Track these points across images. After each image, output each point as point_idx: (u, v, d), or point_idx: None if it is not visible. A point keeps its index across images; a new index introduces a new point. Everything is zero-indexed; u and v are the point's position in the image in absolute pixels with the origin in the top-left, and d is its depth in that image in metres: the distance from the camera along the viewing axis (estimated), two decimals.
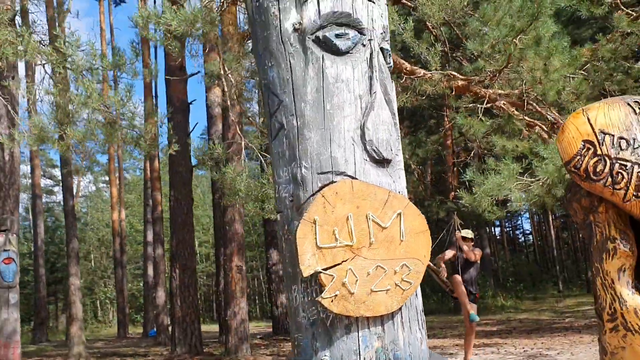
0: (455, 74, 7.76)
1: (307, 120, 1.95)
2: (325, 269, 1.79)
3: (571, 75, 7.49)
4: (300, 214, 1.92)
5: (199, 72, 14.26)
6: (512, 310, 20.86)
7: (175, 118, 11.13)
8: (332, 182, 1.89)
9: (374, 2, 2.09)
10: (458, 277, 7.16)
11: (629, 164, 1.68)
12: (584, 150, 1.74)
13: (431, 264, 6.97)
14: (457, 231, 7.50)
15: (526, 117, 7.37)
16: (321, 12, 1.97)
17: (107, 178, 34.43)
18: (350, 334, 1.84)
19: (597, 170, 1.71)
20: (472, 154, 10.40)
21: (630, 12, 7.57)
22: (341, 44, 1.97)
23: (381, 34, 2.10)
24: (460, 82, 7.72)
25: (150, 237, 19.73)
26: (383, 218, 1.85)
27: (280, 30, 2.01)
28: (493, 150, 7.76)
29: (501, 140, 6.91)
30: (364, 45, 2.02)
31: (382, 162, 1.97)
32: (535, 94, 7.50)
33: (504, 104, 7.84)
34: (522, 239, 49.92)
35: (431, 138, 17.83)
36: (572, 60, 7.03)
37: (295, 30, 1.99)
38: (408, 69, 7.66)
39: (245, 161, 4.48)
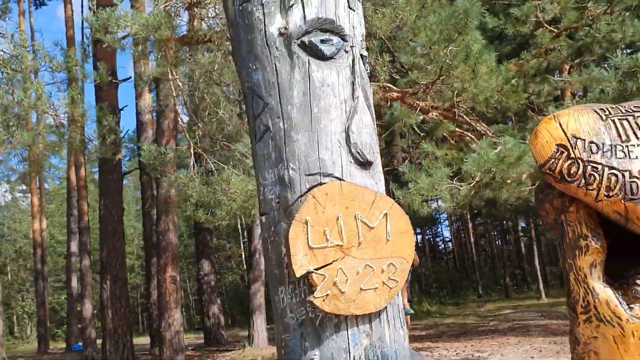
0: (391, 85, 7.98)
1: (294, 122, 1.97)
2: (317, 269, 1.82)
3: (499, 87, 7.87)
4: (287, 215, 1.94)
5: (130, 77, 13.91)
6: (437, 316, 21.49)
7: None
8: (321, 183, 1.93)
9: (353, 10, 2.16)
10: None
11: (599, 167, 1.81)
12: (558, 153, 1.86)
13: None
14: None
15: (457, 129, 7.70)
16: (307, 18, 2.01)
17: (24, 187, 32.83)
18: (339, 332, 1.87)
19: (571, 172, 1.83)
20: (408, 160, 10.72)
21: (552, 29, 8.05)
22: (326, 49, 2.02)
23: (361, 41, 2.17)
24: (394, 94, 7.94)
25: (74, 248, 18.93)
26: (371, 218, 1.90)
27: (266, 34, 2.03)
28: (425, 157, 8.06)
29: (431, 147, 7.19)
30: (347, 52, 2.07)
31: (365, 164, 2.03)
32: (464, 107, 7.84)
33: (436, 115, 8.15)
34: (442, 246, 51.56)
35: None
36: (499, 72, 7.40)
37: (280, 34, 2.02)
38: None
39: (195, 167, 4.43)
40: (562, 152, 1.86)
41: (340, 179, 1.95)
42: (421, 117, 7.77)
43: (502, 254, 45.05)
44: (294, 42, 2.00)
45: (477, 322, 16.23)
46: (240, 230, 30.98)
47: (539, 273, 28.03)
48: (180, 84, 4.74)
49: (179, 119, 4.67)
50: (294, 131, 1.97)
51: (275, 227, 1.98)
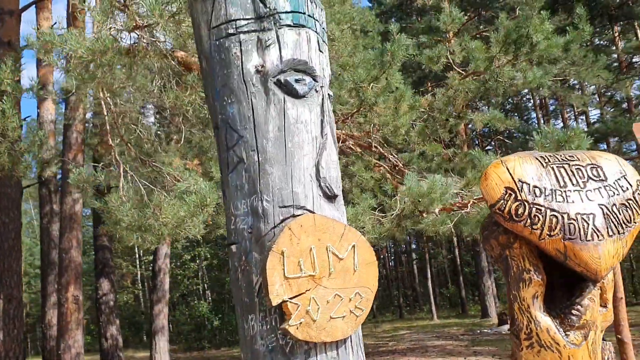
0: None
1: (269, 156, 2.06)
2: (291, 298, 1.92)
3: (412, 122, 8.31)
4: (260, 246, 2.03)
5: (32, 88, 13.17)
6: None
7: None
8: (294, 215, 2.03)
9: (322, 52, 2.29)
10: None
11: (542, 209, 2.05)
12: (507, 195, 2.09)
13: None
14: None
15: (373, 159, 8.02)
16: (283, 58, 2.12)
17: None
18: (309, 359, 1.97)
19: (519, 213, 2.06)
20: None
21: (461, 71, 8.61)
22: (300, 88, 2.13)
23: (328, 81, 2.31)
24: None
25: None
26: (340, 250, 2.03)
27: (242, 70, 2.12)
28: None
29: (363, 172, 7.46)
30: (317, 91, 2.20)
31: (332, 197, 2.16)
32: (379, 137, 8.19)
33: (352, 144, 8.45)
34: None
35: None
36: (414, 107, 7.82)
37: (257, 71, 2.11)
38: None
39: (125, 189, 4.32)
40: (510, 194, 2.08)
41: (311, 212, 2.06)
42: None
43: (396, 275, 46.66)
44: (270, 80, 2.10)
45: (376, 343, 16.68)
46: (136, 249, 29.93)
47: (431, 295, 29.24)
48: (104, 99, 4.63)
49: (108, 138, 4.55)
50: (268, 164, 2.06)
51: (247, 257, 2.05)
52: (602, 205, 2.07)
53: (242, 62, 2.12)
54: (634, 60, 27.30)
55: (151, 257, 25.27)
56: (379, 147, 8.26)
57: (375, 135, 7.95)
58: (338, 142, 8.15)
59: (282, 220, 2.02)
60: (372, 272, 2.09)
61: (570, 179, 2.13)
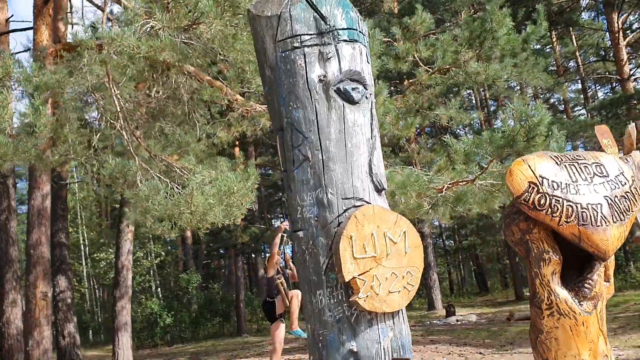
0: None
1: (331, 155, 2.38)
2: (359, 275, 2.25)
3: (392, 123, 8.68)
4: (326, 232, 2.34)
5: None
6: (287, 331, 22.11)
7: None
8: (354, 205, 2.36)
9: (369, 63, 2.63)
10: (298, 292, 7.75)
11: (560, 199, 2.45)
12: (530, 188, 2.48)
13: (279, 281, 7.44)
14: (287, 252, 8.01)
15: None
16: (342, 69, 2.45)
17: None
18: (372, 327, 2.30)
19: (541, 203, 2.45)
20: None
21: (428, 69, 9.08)
22: (355, 95, 2.46)
23: (373, 89, 2.64)
24: None
25: None
26: (394, 235, 2.37)
27: (307, 79, 2.42)
28: None
29: None
30: (367, 98, 2.53)
31: (381, 190, 2.50)
32: None
33: None
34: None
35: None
36: (388, 103, 8.22)
37: (320, 81, 2.43)
38: (239, 101, 8.16)
39: (157, 181, 4.50)
40: (533, 188, 2.47)
41: (368, 203, 2.39)
42: None
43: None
44: (331, 88, 2.42)
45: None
46: (81, 247, 29.27)
47: None
48: (116, 93, 4.76)
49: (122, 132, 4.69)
50: (332, 162, 2.38)
51: (314, 241, 2.37)
52: (607, 196, 2.49)
53: (306, 72, 2.43)
54: (570, 65, 28.77)
55: (101, 254, 24.93)
56: None
57: None
58: None
59: (345, 210, 2.34)
60: (419, 254, 2.44)
61: (580, 175, 2.54)
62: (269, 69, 2.55)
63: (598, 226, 2.43)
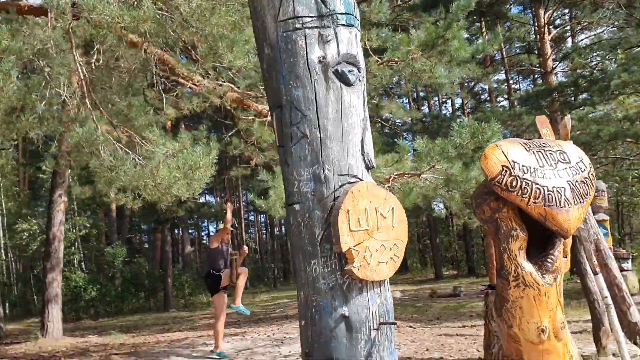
0: (232, 86, 8.47)
1: (329, 133, 2.53)
2: (354, 246, 2.43)
3: None
4: (322, 205, 2.50)
5: None
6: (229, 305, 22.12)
7: None
8: (349, 182, 2.53)
9: (361, 48, 2.78)
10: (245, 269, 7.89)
11: (530, 182, 2.71)
12: (503, 171, 2.73)
13: (234, 257, 7.53)
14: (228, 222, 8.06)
15: None
16: (340, 52, 2.59)
17: None
18: (362, 294, 2.49)
19: (512, 185, 2.71)
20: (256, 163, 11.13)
21: (378, 58, 9.30)
22: (351, 78, 2.61)
23: (365, 72, 2.80)
24: (235, 95, 8.46)
25: None
26: (384, 210, 2.55)
27: (307, 60, 2.55)
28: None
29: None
30: (360, 80, 2.69)
31: (370, 168, 2.68)
32: None
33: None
34: (206, 240, 53.39)
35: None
36: None
37: (320, 62, 2.56)
38: (185, 74, 8.09)
39: (120, 152, 4.40)
40: (506, 171, 2.73)
41: (361, 179, 2.57)
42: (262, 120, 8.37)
43: (271, 249, 47.83)
44: (330, 70, 2.56)
45: (263, 310, 17.27)
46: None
47: None
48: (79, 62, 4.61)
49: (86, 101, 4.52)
50: (329, 140, 2.52)
51: (310, 214, 2.51)
52: (569, 181, 2.78)
53: (307, 52, 2.55)
54: (495, 56, 29.88)
55: (23, 225, 23.79)
56: None
57: None
58: (261, 116, 8.56)
59: (341, 186, 2.50)
60: (404, 228, 2.64)
61: (546, 161, 2.82)
62: (269, 47, 2.64)
63: (562, 207, 2.71)
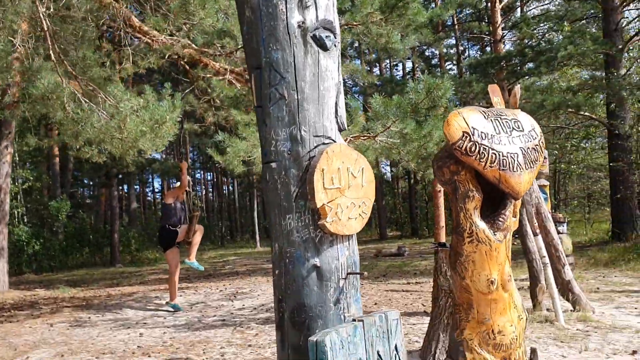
0: (190, 42, 8.40)
1: (306, 95, 2.68)
2: (327, 203, 2.61)
3: None
4: (297, 164, 2.66)
5: None
6: (163, 262, 22.17)
7: None
8: (323, 143, 2.69)
9: (336, 14, 2.92)
10: (202, 227, 8.04)
11: (487, 148, 2.94)
12: (464, 137, 2.94)
13: (196, 214, 7.64)
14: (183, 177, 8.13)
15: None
16: (318, 17, 2.72)
17: None
18: (332, 247, 2.69)
19: (472, 150, 2.93)
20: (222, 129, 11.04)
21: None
22: (328, 43, 2.75)
23: (340, 38, 2.94)
24: (192, 52, 8.39)
25: None
26: (355, 170, 2.74)
27: (287, 24, 2.67)
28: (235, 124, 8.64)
29: (239, 115, 7.90)
30: (335, 46, 2.83)
31: (342, 130, 2.85)
32: None
33: (231, 78, 8.85)
34: (151, 196, 53.34)
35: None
36: None
37: (299, 26, 2.68)
38: (141, 29, 7.97)
39: (86, 104, 4.32)
40: (466, 137, 2.94)
41: (334, 141, 2.74)
42: (216, 78, 8.36)
43: (218, 207, 47.85)
44: (309, 34, 2.69)
45: (212, 267, 17.45)
46: None
47: (256, 224, 30.76)
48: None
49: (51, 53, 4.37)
50: (306, 102, 2.67)
51: (286, 172, 2.67)
52: (522, 147, 3.03)
53: (287, 17, 2.67)
54: (447, 22, 30.25)
55: None
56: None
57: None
58: (219, 75, 8.56)
59: (316, 147, 2.67)
60: (372, 188, 2.84)
61: (502, 128, 3.05)
62: (250, 10, 2.74)
63: (514, 171, 2.96)
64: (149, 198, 53.74)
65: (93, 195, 40.31)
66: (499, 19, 20.57)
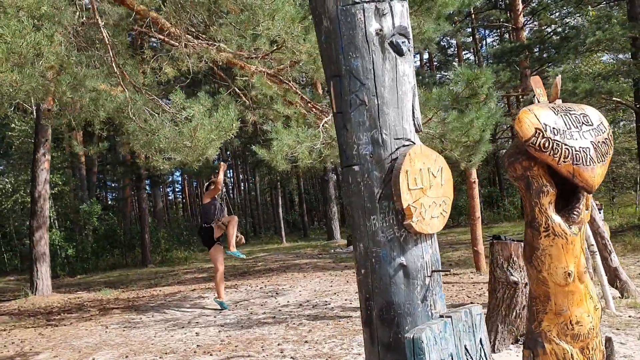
0: (225, 46, 8.50)
1: (386, 100, 2.76)
2: (412, 203, 2.70)
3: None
4: (380, 166, 2.75)
5: None
6: (195, 261, 22.46)
7: None
8: (404, 145, 2.78)
9: (409, 19, 3.00)
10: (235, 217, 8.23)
11: (560, 143, 3.01)
12: (537, 134, 3.02)
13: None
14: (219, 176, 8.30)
15: (293, 95, 8.57)
16: (395, 24, 2.80)
17: None
18: (417, 245, 2.78)
19: (545, 146, 3.00)
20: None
21: None
22: (404, 48, 2.83)
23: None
24: (227, 55, 8.50)
25: None
26: (434, 170, 2.83)
27: (366, 32, 2.76)
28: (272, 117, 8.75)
29: (283, 108, 8.01)
30: (410, 50, 2.92)
31: (419, 131, 2.94)
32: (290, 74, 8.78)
33: (267, 80, 8.95)
34: (172, 196, 54.49)
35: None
36: None
37: (377, 34, 2.77)
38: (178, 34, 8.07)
39: (160, 115, 4.49)
40: (539, 133, 3.01)
41: (413, 143, 2.82)
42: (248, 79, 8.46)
43: (244, 203, 48.34)
44: (386, 41, 2.78)
45: (244, 264, 17.63)
46: None
47: (282, 220, 30.99)
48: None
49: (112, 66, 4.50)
50: (385, 106, 2.76)
51: (369, 174, 2.77)
52: (592, 142, 3.09)
53: (365, 25, 2.76)
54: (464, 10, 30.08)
55: None
56: (289, 82, 8.88)
57: (288, 72, 8.54)
58: (252, 77, 8.66)
59: (397, 149, 2.76)
60: (450, 186, 2.92)
61: (572, 123, 3.12)
62: (328, 20, 2.83)
63: (587, 165, 3.03)
64: (169, 197, 54.52)
65: (117, 197, 40.84)
66: (520, 6, 20.44)
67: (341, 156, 2.93)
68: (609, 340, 3.71)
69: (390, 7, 2.79)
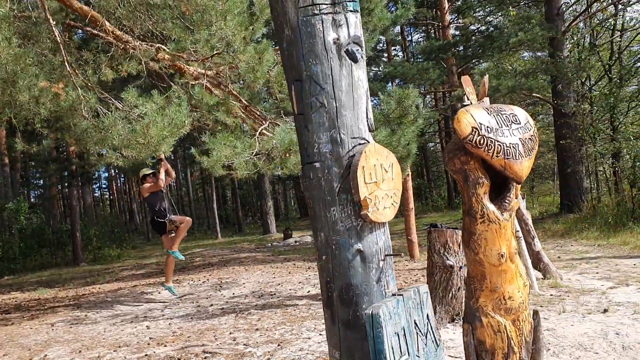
0: (164, 47, 8.55)
1: (343, 103, 3.07)
2: (368, 195, 3.03)
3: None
4: (338, 163, 3.06)
5: None
6: (128, 258, 22.17)
7: None
8: (359, 143, 3.11)
9: (362, 29, 3.32)
10: (189, 219, 8.35)
11: (493, 140, 3.42)
12: (473, 132, 3.41)
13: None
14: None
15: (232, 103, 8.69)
16: (350, 34, 3.12)
17: None
18: (372, 233, 3.11)
19: (480, 142, 3.40)
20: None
21: None
22: (358, 55, 3.15)
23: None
24: (167, 56, 8.55)
25: None
26: (386, 165, 3.17)
27: (324, 41, 3.05)
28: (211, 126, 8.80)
29: (225, 117, 8.13)
30: (363, 57, 3.24)
31: (372, 131, 3.27)
32: (229, 78, 8.92)
33: (207, 81, 9.05)
34: (99, 192, 53.65)
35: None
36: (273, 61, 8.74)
37: (334, 43, 3.07)
38: (117, 34, 8.08)
39: (112, 113, 4.51)
40: (475, 131, 3.41)
41: (368, 141, 3.15)
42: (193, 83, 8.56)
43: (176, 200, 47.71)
44: (343, 49, 3.09)
45: (183, 261, 17.55)
46: None
47: (216, 216, 30.94)
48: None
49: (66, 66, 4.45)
50: (343, 109, 3.07)
51: (329, 170, 3.07)
52: (521, 138, 3.52)
53: (323, 35, 3.05)
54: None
55: None
56: (229, 86, 9.02)
57: (224, 74, 8.67)
58: (197, 80, 8.77)
59: (353, 147, 3.07)
60: (400, 180, 3.26)
61: (503, 122, 3.53)
62: (289, 29, 3.11)
63: (517, 159, 3.45)
64: (96, 194, 53.13)
65: (43, 195, 39.40)
66: (446, 4, 21.27)
67: (302, 154, 3.22)
68: (536, 313, 4.18)
69: (346, 18, 3.10)
